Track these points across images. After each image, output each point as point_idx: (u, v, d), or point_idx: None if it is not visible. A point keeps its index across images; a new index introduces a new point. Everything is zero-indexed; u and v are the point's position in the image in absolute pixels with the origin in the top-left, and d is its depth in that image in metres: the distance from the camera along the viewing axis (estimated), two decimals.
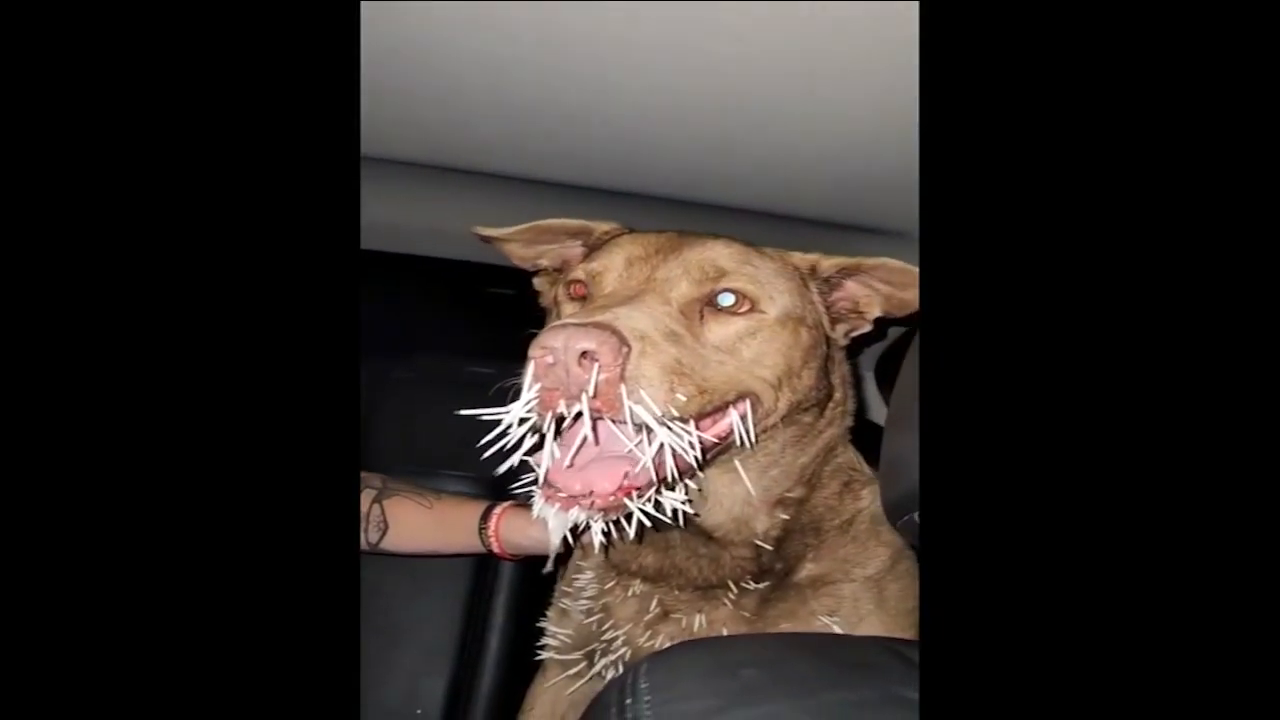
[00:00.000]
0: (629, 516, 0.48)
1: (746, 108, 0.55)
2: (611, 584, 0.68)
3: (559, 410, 0.45)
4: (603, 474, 0.47)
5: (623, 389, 0.44)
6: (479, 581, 1.12)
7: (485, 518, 0.83)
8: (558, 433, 0.47)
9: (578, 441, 0.47)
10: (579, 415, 0.44)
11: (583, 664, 0.73)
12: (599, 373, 0.43)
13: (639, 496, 0.47)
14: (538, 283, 0.73)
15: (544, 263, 0.71)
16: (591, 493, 0.47)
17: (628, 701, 0.28)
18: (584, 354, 0.44)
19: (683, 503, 0.50)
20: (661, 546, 0.63)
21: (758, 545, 0.61)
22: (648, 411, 0.44)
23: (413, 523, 0.87)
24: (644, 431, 0.46)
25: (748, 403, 0.54)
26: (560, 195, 0.74)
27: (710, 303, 0.55)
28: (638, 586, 0.66)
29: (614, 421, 0.46)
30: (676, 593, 0.64)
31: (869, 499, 0.65)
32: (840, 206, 0.82)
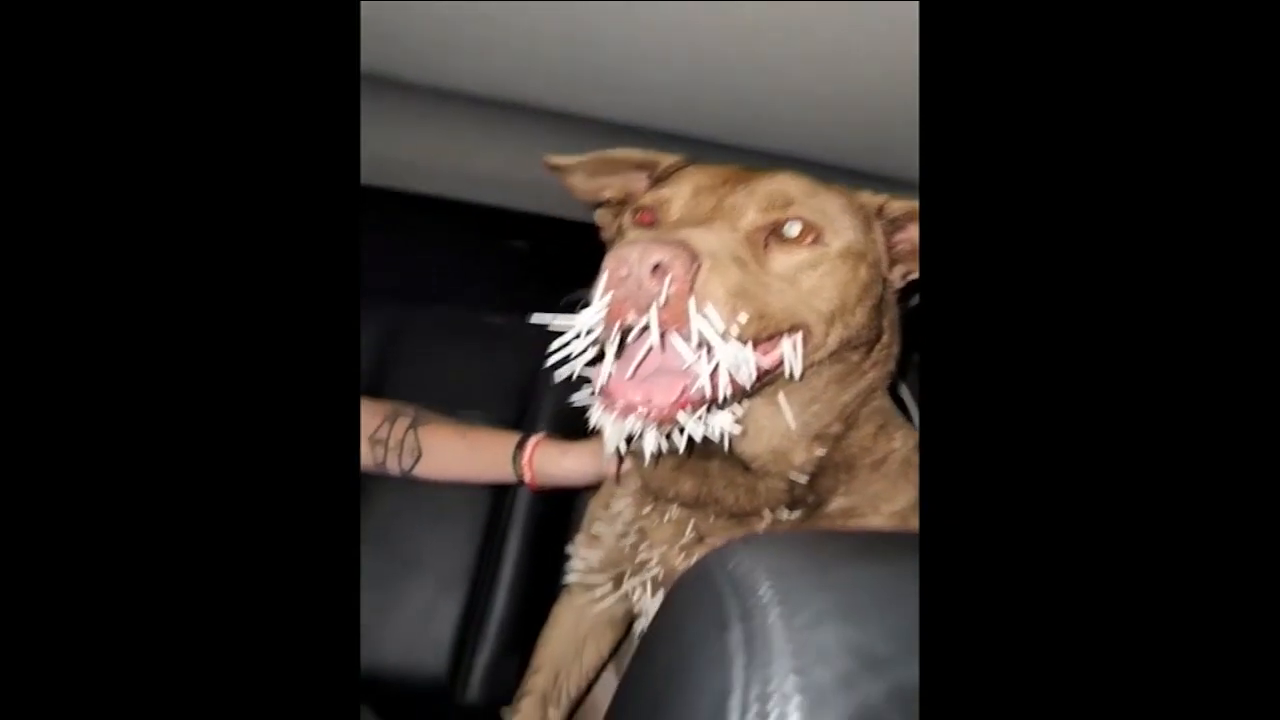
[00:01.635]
0: (681, 430, 0.50)
1: (767, 51, 0.56)
2: (649, 509, 0.71)
3: (627, 321, 0.46)
4: (661, 387, 0.49)
5: (691, 303, 0.46)
6: (495, 513, 1.15)
7: (520, 447, 0.85)
8: (620, 346, 0.49)
9: (640, 353, 0.48)
10: (645, 328, 0.46)
11: (608, 586, 0.76)
12: (669, 285, 0.45)
13: (692, 412, 0.49)
14: (599, 215, 0.74)
15: (607, 195, 0.72)
16: (649, 403, 0.48)
17: (733, 589, 0.29)
18: (656, 267, 0.45)
19: (732, 424, 0.52)
20: (700, 474, 0.65)
21: (792, 478, 0.63)
22: (712, 327, 0.45)
23: (446, 450, 0.89)
24: (703, 349, 0.47)
25: (800, 334, 0.55)
26: (583, 131, 0.74)
27: (775, 232, 0.56)
28: (674, 512, 0.68)
29: (677, 335, 0.47)
30: (712, 519, 0.67)
31: (901, 441, 0.66)
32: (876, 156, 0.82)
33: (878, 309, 0.62)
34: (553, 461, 0.85)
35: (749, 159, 0.75)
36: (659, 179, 0.66)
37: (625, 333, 0.48)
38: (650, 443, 0.50)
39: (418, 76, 0.80)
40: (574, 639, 0.82)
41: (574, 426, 0.89)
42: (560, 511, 1.18)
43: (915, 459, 0.66)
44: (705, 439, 0.54)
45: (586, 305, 0.48)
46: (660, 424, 0.49)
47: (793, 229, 0.56)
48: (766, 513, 0.64)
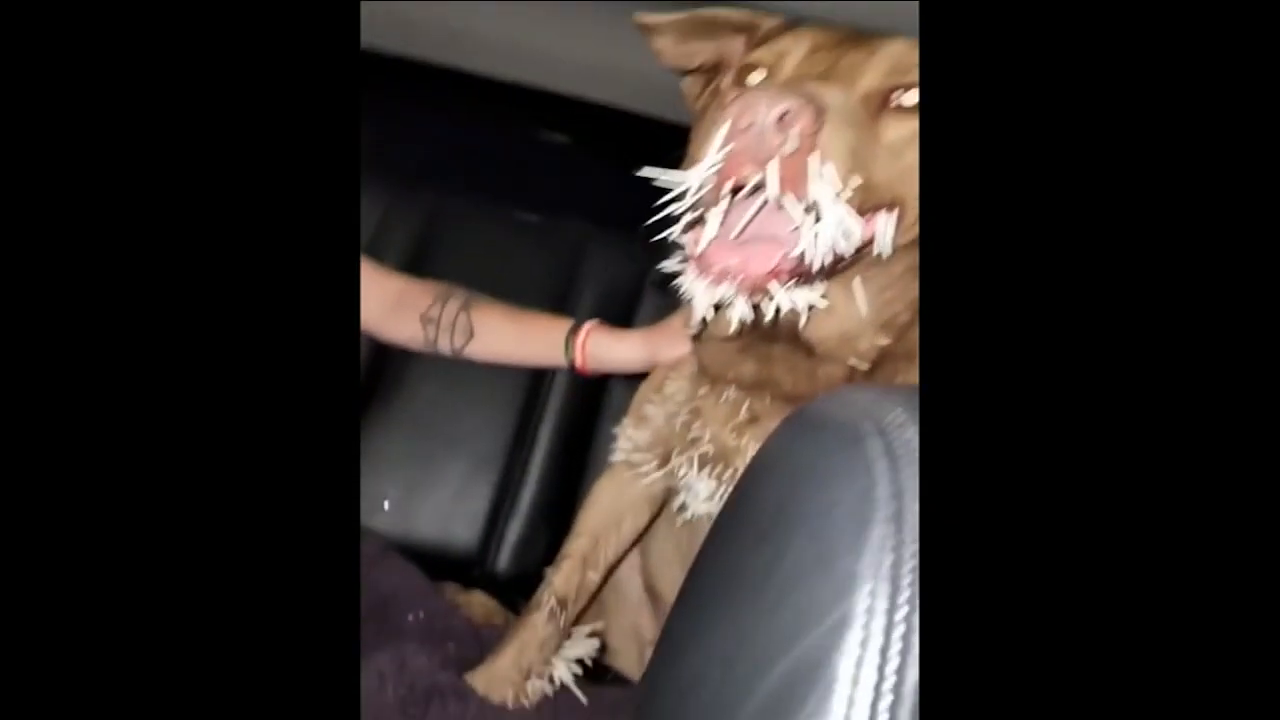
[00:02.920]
0: (770, 300, 0.52)
1: None
2: (705, 390, 0.74)
3: (742, 176, 0.46)
4: (759, 253, 0.50)
5: (813, 160, 0.45)
6: (530, 402, 1.20)
7: (574, 332, 0.88)
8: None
9: (748, 214, 0.49)
10: (755, 188, 0.46)
11: (653, 464, 0.81)
12: (792, 141, 0.44)
13: (783, 283, 0.51)
14: (687, 84, 0.72)
15: (698, 60, 0.69)
16: (746, 270, 0.49)
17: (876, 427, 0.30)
18: (783, 116, 0.44)
19: (819, 298, 0.54)
20: (763, 357, 0.68)
21: (853, 364, 0.66)
22: (830, 189, 0.45)
23: (498, 332, 0.92)
24: (809, 214, 0.47)
25: (896, 212, 0.55)
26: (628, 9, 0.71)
27: (888, 99, 0.55)
28: (731, 393, 0.72)
29: (790, 196, 0.47)
30: (768, 401, 0.70)
31: None
32: None
33: None
34: (606, 347, 0.88)
35: None
36: (759, 43, 0.64)
37: (735, 191, 0.47)
38: (740, 311, 0.52)
39: None
40: (614, 512, 0.88)
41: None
42: (592, 403, 1.23)
43: None
44: (773, 320, 0.56)
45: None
46: (752, 292, 0.50)
47: (910, 97, 0.54)
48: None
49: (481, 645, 0.86)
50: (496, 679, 0.79)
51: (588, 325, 0.90)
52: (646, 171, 0.50)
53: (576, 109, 1.20)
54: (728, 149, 0.46)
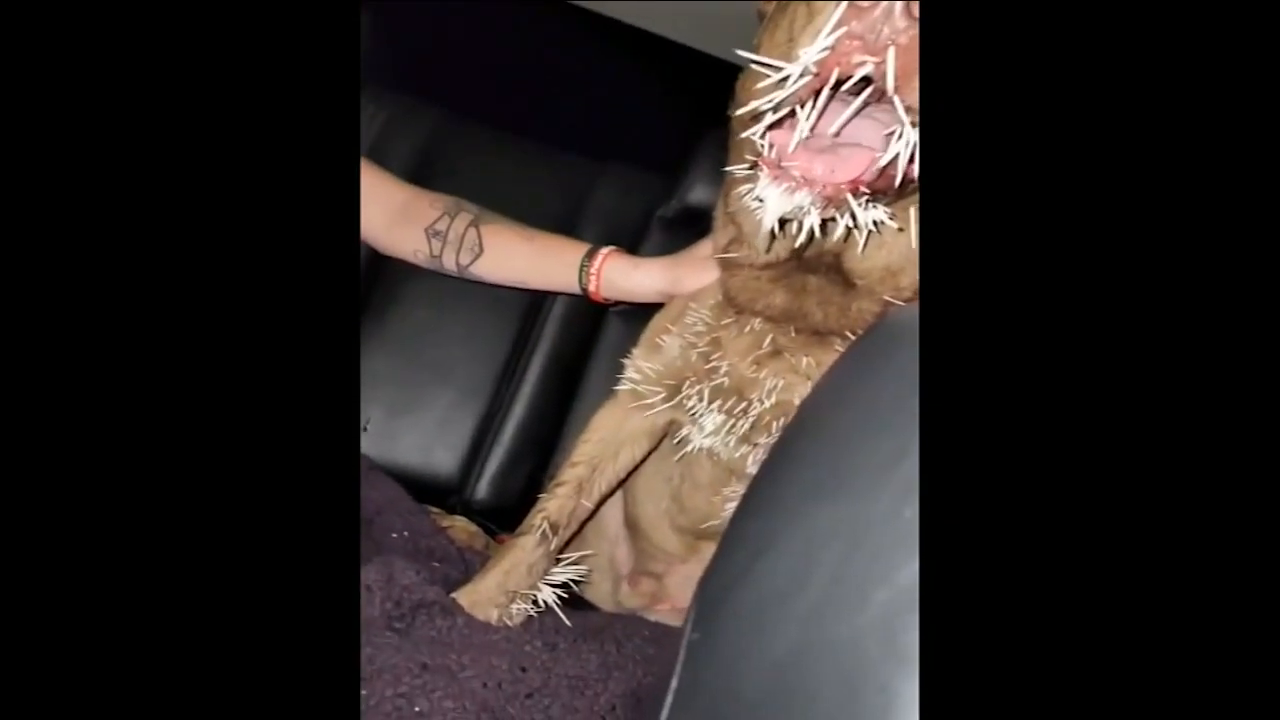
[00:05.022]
0: (846, 213, 0.49)
1: None
2: (729, 321, 0.72)
3: (850, 66, 0.42)
4: (847, 160, 0.47)
5: None
6: (524, 331, 1.17)
7: (590, 256, 0.85)
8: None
9: (848, 113, 0.46)
10: (860, 82, 0.43)
11: (661, 395, 0.79)
12: (915, 28, 0.39)
13: (859, 197, 0.49)
14: None
15: None
16: (832, 177, 0.46)
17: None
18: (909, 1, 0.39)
19: (888, 217, 0.52)
20: (798, 288, 0.66)
21: (891, 299, 0.64)
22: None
23: (509, 250, 0.88)
24: (907, 118, 0.44)
25: None
26: None
27: None
28: (756, 324, 0.70)
29: (896, 96, 0.43)
30: (793, 334, 0.69)
31: None
32: None
33: None
34: (623, 274, 0.85)
35: None
36: None
37: (839, 84, 0.43)
38: (812, 222, 0.49)
39: None
40: (613, 442, 0.85)
41: None
42: (586, 339, 1.20)
43: None
44: (831, 236, 0.52)
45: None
46: (829, 202, 0.48)
47: None
48: (849, 335, 0.67)
49: (466, 565, 0.83)
50: (482, 598, 0.77)
51: (605, 250, 0.86)
52: (745, 53, 0.47)
53: (597, 25, 1.15)
54: (840, 32, 0.42)
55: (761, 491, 0.37)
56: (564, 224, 1.20)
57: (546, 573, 0.81)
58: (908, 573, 0.25)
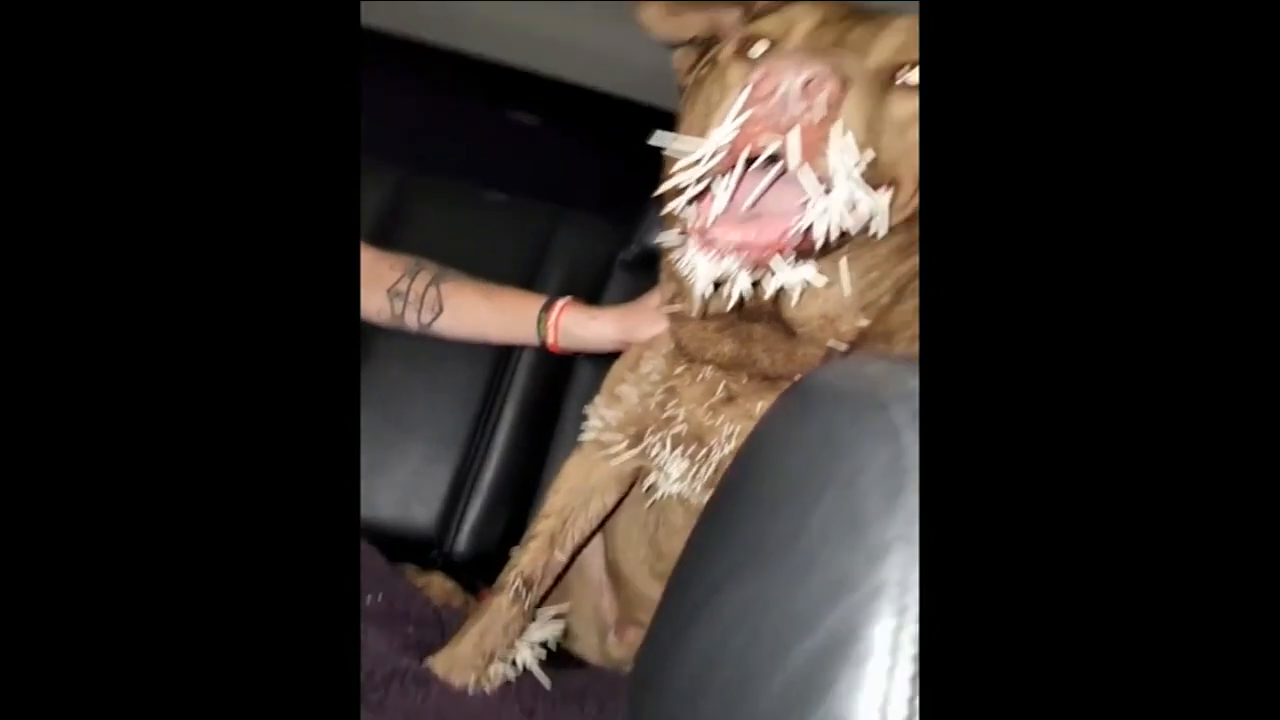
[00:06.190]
0: (772, 275, 0.51)
1: None
2: (681, 369, 0.73)
3: (759, 146, 0.44)
4: (764, 227, 0.49)
5: (835, 130, 0.44)
6: (494, 381, 1.18)
7: (546, 308, 0.86)
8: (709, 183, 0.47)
9: (759, 187, 0.48)
10: (769, 160, 0.45)
11: (625, 444, 0.80)
12: (817, 108, 0.43)
13: (787, 259, 0.51)
14: (678, 57, 0.70)
15: (689, 33, 0.68)
16: (753, 244, 0.48)
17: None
18: (808, 84, 0.43)
19: (817, 275, 0.53)
20: (743, 336, 0.67)
21: (832, 346, 0.66)
22: (850, 160, 0.44)
23: (468, 307, 0.89)
24: (821, 186, 0.47)
25: (891, 190, 0.55)
26: None
27: (894, 76, 0.54)
28: (708, 372, 0.71)
29: (806, 168, 0.46)
30: (744, 380, 0.70)
31: None
32: None
33: None
34: (580, 324, 0.87)
35: None
36: (757, 15, 0.63)
37: (750, 161, 0.46)
38: (741, 287, 0.51)
39: None
40: (583, 491, 0.86)
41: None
42: (557, 385, 1.21)
43: None
44: (763, 296, 0.54)
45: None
46: (755, 267, 0.50)
47: (915, 75, 0.54)
48: (799, 377, 0.68)
49: (442, 627, 0.83)
50: (458, 663, 0.77)
51: (561, 302, 0.88)
52: (658, 138, 0.49)
53: (548, 88, 1.18)
54: (746, 115, 0.45)
55: (683, 571, 0.38)
56: (528, 270, 1.22)
57: (523, 631, 0.81)
58: (799, 652, 0.26)
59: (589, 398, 0.87)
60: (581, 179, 1.31)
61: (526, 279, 1.20)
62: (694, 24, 0.68)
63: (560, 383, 1.20)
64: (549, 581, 0.84)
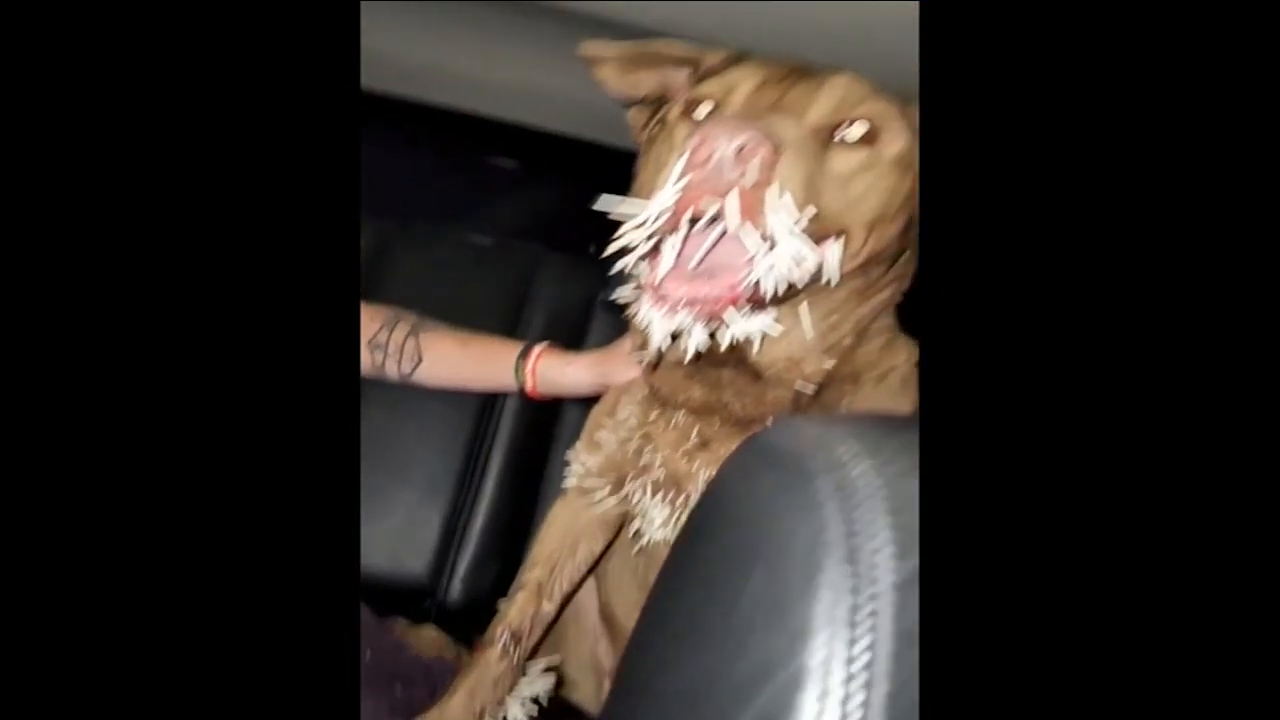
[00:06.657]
0: (726, 327, 0.52)
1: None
2: (655, 415, 0.73)
3: (700, 208, 0.46)
4: (714, 282, 0.50)
5: (771, 191, 0.46)
6: (480, 430, 1.18)
7: (523, 356, 0.87)
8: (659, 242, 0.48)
9: (705, 245, 0.49)
10: (711, 220, 0.46)
11: (606, 490, 0.80)
12: (751, 173, 0.44)
13: (739, 310, 0.51)
14: (633, 115, 0.72)
15: (641, 92, 0.70)
16: (704, 299, 0.49)
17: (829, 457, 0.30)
18: (741, 149, 0.44)
19: (773, 324, 0.54)
20: (712, 381, 0.68)
21: (799, 389, 0.66)
22: (787, 219, 0.46)
23: (447, 356, 0.90)
24: (764, 243, 0.48)
25: (841, 240, 0.56)
26: (581, 34, 0.72)
27: (834, 133, 0.56)
28: (681, 418, 0.71)
29: (748, 225, 0.47)
30: (718, 425, 0.70)
31: (904, 357, 0.70)
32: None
33: (910, 223, 0.63)
34: (556, 370, 0.87)
35: None
36: (704, 76, 0.65)
37: (691, 221, 0.47)
38: (697, 339, 0.52)
39: None
40: (569, 538, 0.86)
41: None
42: (544, 428, 1.21)
43: (916, 375, 0.70)
44: (720, 346, 0.55)
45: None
46: (709, 320, 0.50)
47: (857, 130, 0.56)
48: (770, 421, 0.68)
49: (432, 683, 0.83)
50: None
51: (538, 349, 0.88)
52: (603, 202, 0.50)
53: (526, 136, 1.19)
54: (686, 180, 0.46)
55: (639, 638, 0.38)
56: (510, 313, 1.23)
57: (514, 685, 0.80)
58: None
59: (577, 440, 0.87)
60: (562, 222, 1.33)
61: (510, 320, 1.21)
62: (645, 83, 0.70)
63: (547, 426, 1.21)
64: (538, 633, 0.84)
